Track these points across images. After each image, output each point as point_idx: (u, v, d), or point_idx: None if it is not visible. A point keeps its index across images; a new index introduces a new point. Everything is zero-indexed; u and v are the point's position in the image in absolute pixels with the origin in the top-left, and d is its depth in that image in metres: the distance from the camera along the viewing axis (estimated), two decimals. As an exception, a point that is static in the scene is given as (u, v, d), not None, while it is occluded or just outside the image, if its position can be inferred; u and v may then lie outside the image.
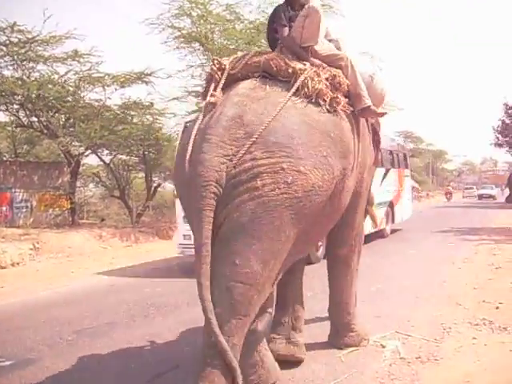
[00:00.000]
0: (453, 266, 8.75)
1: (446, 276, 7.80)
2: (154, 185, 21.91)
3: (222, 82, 3.51)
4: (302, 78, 3.41)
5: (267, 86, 3.39)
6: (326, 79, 3.57)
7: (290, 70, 3.48)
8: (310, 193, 3.08)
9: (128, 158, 20.89)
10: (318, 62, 3.70)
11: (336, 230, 4.07)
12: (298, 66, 3.52)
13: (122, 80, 16.90)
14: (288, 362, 4.11)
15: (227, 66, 3.57)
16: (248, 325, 3.07)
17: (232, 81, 3.53)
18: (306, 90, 3.39)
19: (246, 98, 3.24)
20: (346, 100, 3.67)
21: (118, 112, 17.46)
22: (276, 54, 3.63)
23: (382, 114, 4.30)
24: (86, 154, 17.80)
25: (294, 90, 3.35)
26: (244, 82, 3.46)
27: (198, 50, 17.94)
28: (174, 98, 18.82)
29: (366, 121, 4.32)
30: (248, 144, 2.98)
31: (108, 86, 16.74)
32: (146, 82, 17.87)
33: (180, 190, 3.55)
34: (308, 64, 3.60)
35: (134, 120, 18.26)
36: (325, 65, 3.71)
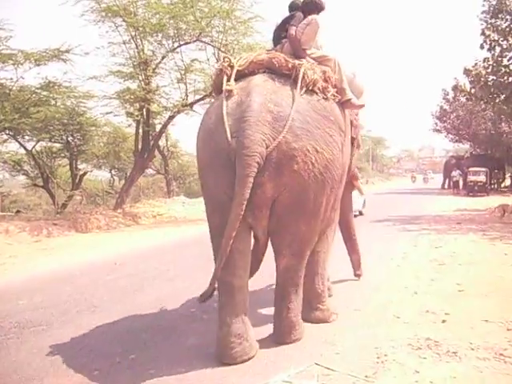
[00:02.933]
0: (390, 263, 7.64)
1: (383, 277, 6.67)
2: (80, 173, 20.56)
3: (233, 76, 4.12)
4: (302, 70, 4.09)
5: (275, 80, 4.07)
6: (320, 73, 4.32)
7: (289, 65, 4.16)
8: (326, 167, 3.93)
9: (50, 144, 19.40)
10: (311, 60, 4.49)
11: None
12: (296, 62, 4.21)
13: (36, 57, 15.19)
14: None
15: (235, 64, 4.18)
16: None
17: (240, 76, 4.17)
18: (305, 79, 4.08)
19: (264, 89, 3.91)
20: (335, 90, 4.43)
21: (35, 93, 15.80)
22: (276, 54, 4.32)
23: (361, 106, 5.11)
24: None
25: (299, 83, 4.04)
26: (255, 76, 4.12)
27: (120, 26, 16.30)
28: (93, 78, 17.04)
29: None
30: (285, 130, 3.71)
31: (21, 64, 15.04)
32: (64, 60, 16.12)
33: (207, 161, 4.04)
34: (304, 60, 4.31)
35: (56, 103, 16.81)
36: (316, 63, 4.51)
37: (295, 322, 4.20)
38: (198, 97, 18.28)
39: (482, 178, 27.30)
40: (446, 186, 35.75)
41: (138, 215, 17.76)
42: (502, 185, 33.94)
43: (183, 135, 49.94)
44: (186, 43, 16.72)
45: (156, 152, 27.74)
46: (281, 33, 4.73)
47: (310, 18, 4.60)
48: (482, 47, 14.39)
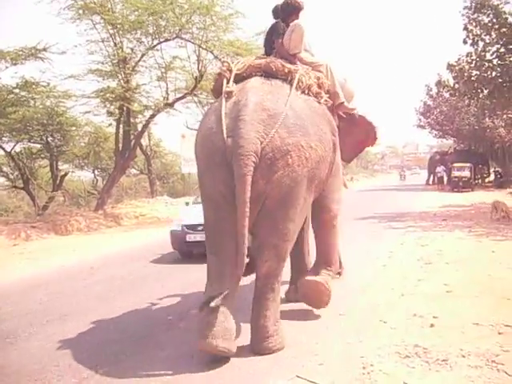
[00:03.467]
0: (376, 262, 7.41)
1: (369, 278, 6.43)
2: (61, 174, 20.18)
3: (232, 78, 4.32)
4: (297, 75, 4.33)
5: (271, 82, 4.27)
6: (314, 78, 4.57)
7: (286, 70, 4.38)
8: (318, 163, 4.09)
9: (30, 145, 19.10)
10: (305, 66, 4.67)
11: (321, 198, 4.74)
12: (292, 67, 4.45)
13: (12, 56, 14.79)
14: None
15: (234, 68, 4.40)
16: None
17: (239, 79, 4.35)
18: (300, 84, 4.33)
19: (260, 90, 4.09)
20: (327, 95, 4.71)
21: (12, 93, 15.45)
22: (273, 59, 4.55)
23: (353, 109, 5.29)
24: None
25: (295, 84, 4.27)
26: (252, 78, 4.32)
27: (99, 23, 15.91)
28: (71, 77, 16.62)
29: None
30: (276, 126, 3.82)
31: (-4, 63, 14.60)
32: (42, 59, 15.73)
33: (205, 161, 4.11)
34: (299, 66, 4.56)
35: (35, 103, 16.46)
36: (310, 68, 4.70)
37: (273, 330, 4.01)
38: (179, 95, 17.96)
39: (467, 173, 27.20)
40: (430, 182, 35.71)
41: (119, 216, 17.42)
42: (486, 180, 33.96)
43: (166, 134, 49.49)
44: (166, 40, 16.40)
45: (139, 152, 27.52)
46: (270, 44, 4.89)
47: (292, 24, 4.72)
48: (464, 42, 14.24)
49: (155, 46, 16.56)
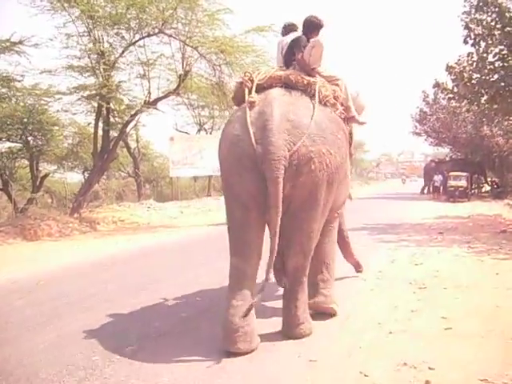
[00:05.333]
0: (363, 286, 6.34)
1: (351, 308, 5.35)
2: (41, 174, 19.22)
3: (254, 88, 4.51)
4: (316, 87, 4.60)
5: (292, 93, 4.50)
6: (331, 90, 4.84)
7: (305, 82, 4.62)
8: (337, 168, 4.40)
9: (8, 144, 17.95)
10: (322, 79, 4.92)
11: None
12: (311, 79, 4.70)
13: (-17, 50, 13.85)
14: None
15: (255, 78, 4.59)
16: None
17: (259, 89, 4.55)
18: (320, 95, 4.59)
19: (282, 102, 4.32)
20: (342, 108, 5.05)
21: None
22: (292, 71, 4.81)
23: (364, 123, 5.74)
24: None
25: (317, 95, 4.54)
26: (274, 89, 4.53)
27: (73, 15, 14.87)
28: (46, 72, 15.65)
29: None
30: (304, 136, 4.10)
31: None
32: (19, 53, 14.82)
33: (232, 165, 4.32)
34: (317, 78, 4.79)
35: (17, 100, 15.78)
36: (326, 82, 4.94)
37: (303, 318, 4.44)
38: (162, 94, 17.05)
39: (463, 182, 26.33)
40: (425, 192, 34.77)
41: (96, 221, 16.43)
42: (483, 190, 33.12)
43: (157, 136, 48.47)
44: (149, 35, 15.48)
45: (127, 154, 26.60)
46: (291, 56, 5.09)
47: (313, 40, 4.99)
48: (465, 42, 13.27)
49: (137, 41, 15.64)
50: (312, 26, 5.18)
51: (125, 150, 26.18)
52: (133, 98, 17.30)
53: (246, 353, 4.03)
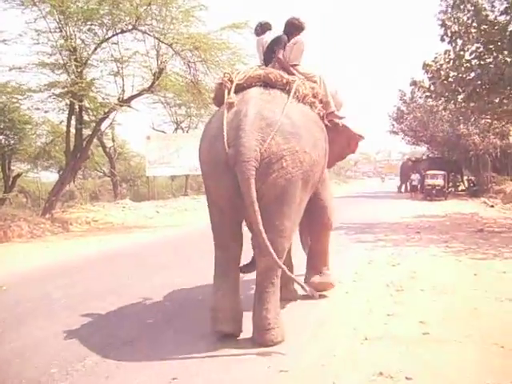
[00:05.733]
0: (338, 289, 6.05)
1: (325, 312, 5.15)
2: (14, 174, 18.88)
3: (233, 89, 4.54)
4: (295, 85, 4.67)
5: (270, 92, 4.56)
6: (309, 88, 4.94)
7: (284, 81, 4.69)
8: (312, 166, 4.41)
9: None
10: (301, 76, 5.11)
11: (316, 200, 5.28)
12: (290, 77, 4.80)
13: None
14: None
15: (235, 78, 4.62)
16: None
17: (239, 89, 4.58)
18: (297, 94, 4.68)
19: (259, 100, 4.36)
20: (321, 105, 5.17)
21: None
22: (272, 69, 4.85)
23: (342, 117, 5.84)
24: None
25: (292, 93, 4.60)
26: (252, 89, 4.56)
27: (49, 12, 14.42)
28: (16, 68, 15.18)
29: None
30: (272, 133, 4.10)
31: None
32: (-11, 48, 14.32)
33: (209, 168, 4.44)
34: (296, 77, 4.95)
35: None
36: (305, 79, 5.10)
37: (274, 322, 4.22)
38: (136, 92, 16.69)
39: (440, 181, 26.39)
40: (402, 190, 34.91)
41: (69, 221, 15.98)
42: (460, 188, 33.34)
43: (133, 135, 47.73)
44: (122, 32, 15.11)
45: (103, 153, 26.17)
46: (271, 54, 5.29)
47: (295, 38, 5.33)
48: (442, 40, 13.21)
49: (110, 37, 15.27)
50: (294, 28, 5.40)
51: (100, 149, 25.81)
52: (106, 95, 16.83)
53: (230, 335, 4.28)
